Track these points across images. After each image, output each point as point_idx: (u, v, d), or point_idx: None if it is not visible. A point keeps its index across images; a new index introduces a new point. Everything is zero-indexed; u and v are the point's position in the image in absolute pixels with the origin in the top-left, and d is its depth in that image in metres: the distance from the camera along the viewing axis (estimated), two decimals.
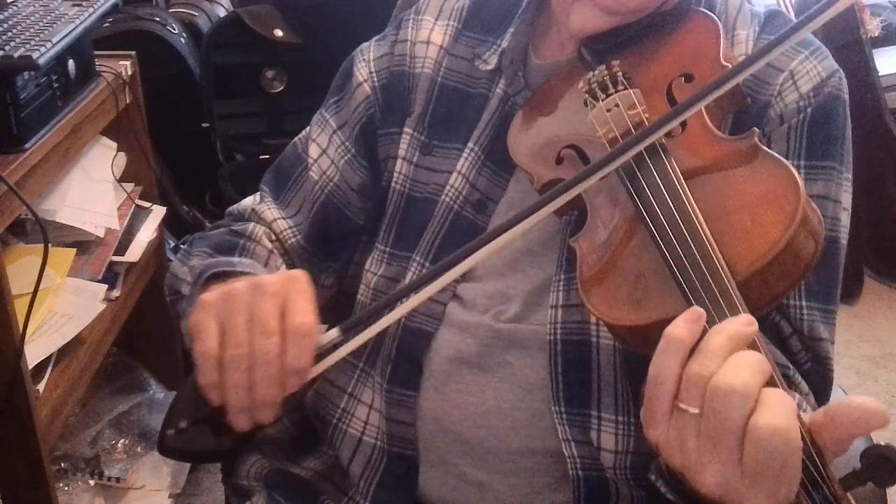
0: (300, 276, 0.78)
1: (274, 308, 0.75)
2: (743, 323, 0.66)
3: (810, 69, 0.90)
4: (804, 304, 0.89)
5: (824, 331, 0.90)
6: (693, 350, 0.65)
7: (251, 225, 1.03)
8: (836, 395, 0.96)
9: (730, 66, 0.83)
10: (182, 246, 2.10)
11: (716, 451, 0.62)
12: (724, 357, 0.63)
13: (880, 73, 2.62)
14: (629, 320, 0.74)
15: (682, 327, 0.65)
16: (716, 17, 0.89)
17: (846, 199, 0.91)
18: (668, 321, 0.68)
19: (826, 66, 0.90)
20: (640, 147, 0.77)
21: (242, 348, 0.74)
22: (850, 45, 2.54)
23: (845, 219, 0.91)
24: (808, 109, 0.89)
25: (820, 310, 0.89)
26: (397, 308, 0.78)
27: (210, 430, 0.80)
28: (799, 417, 0.63)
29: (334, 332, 0.77)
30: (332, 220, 1.05)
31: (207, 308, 0.77)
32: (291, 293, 0.76)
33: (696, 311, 0.67)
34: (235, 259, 0.95)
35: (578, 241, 0.82)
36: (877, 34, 2.66)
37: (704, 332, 0.66)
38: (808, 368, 0.90)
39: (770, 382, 0.64)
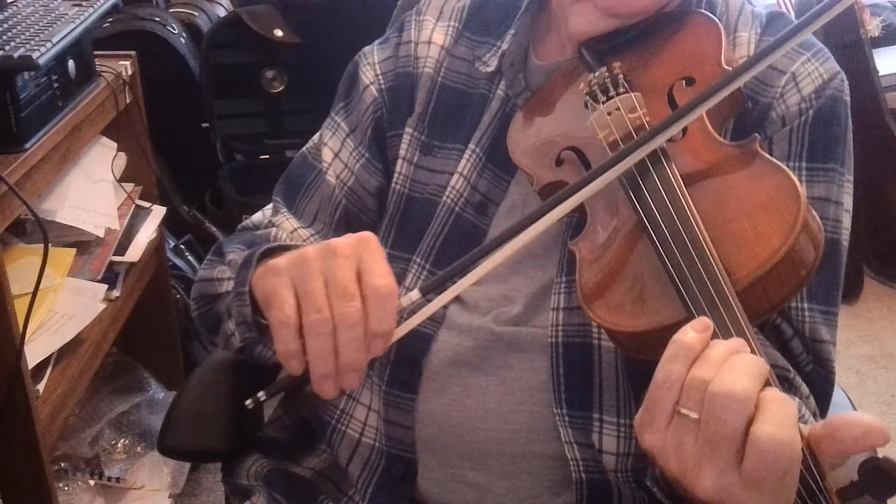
0: (370, 237, 0.75)
1: (350, 271, 0.72)
2: (740, 343, 0.67)
3: (812, 71, 0.90)
4: (805, 305, 0.88)
5: (825, 333, 0.90)
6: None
7: (273, 230, 1.02)
8: (835, 396, 0.96)
9: (730, 69, 0.83)
10: (181, 246, 2.10)
11: (714, 456, 0.62)
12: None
13: (880, 73, 2.61)
14: (629, 326, 0.74)
15: (692, 335, 0.66)
16: (717, 19, 0.89)
17: (847, 200, 0.91)
18: (667, 328, 0.68)
19: (828, 67, 0.90)
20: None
21: (323, 313, 0.71)
22: (850, 45, 2.53)
23: (846, 220, 0.91)
24: (810, 111, 0.89)
25: (821, 312, 0.89)
26: (473, 271, 0.75)
27: (291, 400, 0.77)
28: (798, 428, 0.63)
29: (414, 294, 0.75)
30: (353, 225, 1.03)
31: (281, 273, 0.74)
32: (365, 255, 0.73)
33: (705, 320, 0.67)
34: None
35: (578, 244, 0.82)
36: (877, 34, 2.66)
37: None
38: (809, 371, 0.90)
39: (767, 384, 0.64)
